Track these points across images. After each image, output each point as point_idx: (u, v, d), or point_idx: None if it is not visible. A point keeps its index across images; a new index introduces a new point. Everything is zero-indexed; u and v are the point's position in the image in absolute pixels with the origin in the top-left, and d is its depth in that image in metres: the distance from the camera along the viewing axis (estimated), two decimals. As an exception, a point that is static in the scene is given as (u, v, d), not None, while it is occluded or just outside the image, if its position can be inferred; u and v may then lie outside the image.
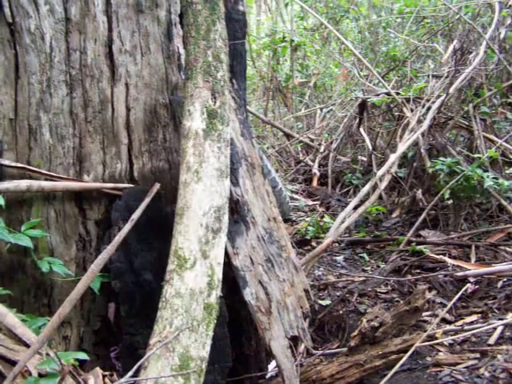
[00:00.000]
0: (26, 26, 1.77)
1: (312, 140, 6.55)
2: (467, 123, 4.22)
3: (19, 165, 1.76)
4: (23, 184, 1.74)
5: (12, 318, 1.48)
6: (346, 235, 3.92)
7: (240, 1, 2.54)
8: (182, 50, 2.12)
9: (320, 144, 6.26)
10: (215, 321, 1.52)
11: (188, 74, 1.80)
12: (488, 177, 3.36)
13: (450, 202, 3.65)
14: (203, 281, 1.54)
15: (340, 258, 3.52)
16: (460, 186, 3.47)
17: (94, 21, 1.88)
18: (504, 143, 3.98)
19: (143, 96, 1.99)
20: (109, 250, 1.63)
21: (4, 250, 1.76)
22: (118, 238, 1.65)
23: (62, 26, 1.83)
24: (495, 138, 4.09)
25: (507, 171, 4.19)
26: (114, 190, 1.89)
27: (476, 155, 3.78)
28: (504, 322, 2.22)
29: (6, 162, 1.75)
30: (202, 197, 1.63)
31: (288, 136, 6.76)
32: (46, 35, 1.80)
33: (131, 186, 1.92)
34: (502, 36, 4.36)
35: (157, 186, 1.87)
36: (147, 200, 1.79)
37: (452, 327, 2.29)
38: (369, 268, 3.33)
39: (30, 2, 1.77)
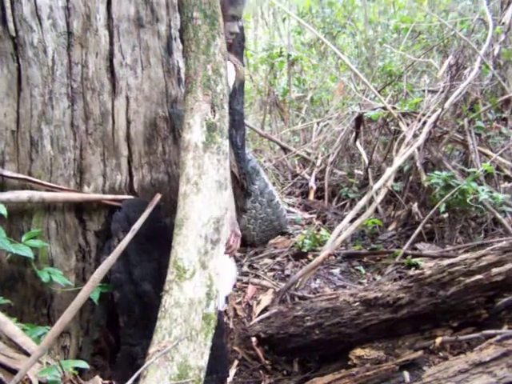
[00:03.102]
0: (29, 39, 1.80)
1: (309, 154, 6.58)
2: (462, 138, 4.25)
3: (21, 176, 1.79)
4: (24, 195, 1.77)
5: (12, 327, 1.50)
6: (343, 248, 3.94)
7: (238, 17, 2.59)
8: (181, 64, 2.16)
9: (317, 158, 6.28)
10: (213, 331, 1.54)
11: (188, 88, 1.83)
12: (483, 190, 3.40)
13: (446, 215, 3.68)
14: (202, 291, 1.56)
15: (336, 271, 3.53)
16: (455, 199, 3.50)
17: (95, 35, 1.91)
18: (499, 157, 4.02)
19: (143, 109, 2.02)
20: (109, 260, 1.65)
21: (4, 260, 1.78)
22: (120, 247, 1.67)
23: (64, 39, 1.86)
24: (490, 153, 4.13)
25: (502, 185, 4.22)
26: (114, 202, 1.91)
27: (471, 169, 3.82)
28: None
29: (8, 173, 1.78)
30: (201, 208, 1.65)
31: (285, 150, 6.79)
32: (49, 49, 1.83)
33: (131, 197, 1.94)
34: (496, 52, 4.42)
35: (158, 196, 1.89)
36: (148, 210, 1.81)
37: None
38: (365, 281, 3.35)
39: (33, 17, 1.80)
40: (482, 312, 2.31)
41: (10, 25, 1.77)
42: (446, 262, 2.38)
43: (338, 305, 2.56)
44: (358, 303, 2.52)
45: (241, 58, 2.53)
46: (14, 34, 1.78)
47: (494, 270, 2.22)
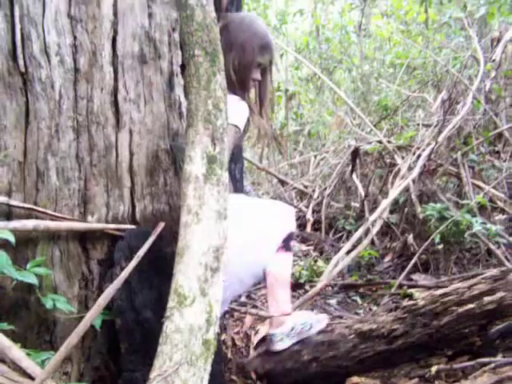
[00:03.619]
0: (37, 75, 1.88)
1: (306, 186, 6.66)
2: (456, 170, 4.35)
3: (27, 205, 1.85)
4: (30, 224, 1.82)
5: (17, 351, 1.55)
6: (339, 279, 3.98)
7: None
8: (182, 99, 2.23)
9: (314, 190, 6.36)
10: (213, 356, 1.58)
11: (189, 122, 1.90)
12: (477, 222, 3.47)
13: (441, 246, 3.74)
14: (202, 317, 1.61)
15: (333, 301, 3.58)
16: (450, 230, 3.57)
17: (101, 71, 1.99)
18: (492, 190, 4.10)
19: (146, 142, 2.09)
20: (113, 288, 1.70)
21: (9, 287, 1.83)
22: (123, 275, 1.72)
23: (71, 75, 1.94)
24: (483, 185, 4.22)
25: (496, 217, 4.30)
26: (117, 231, 1.97)
27: (465, 201, 3.90)
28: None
29: (15, 203, 1.84)
30: (201, 237, 1.71)
31: (282, 182, 6.87)
32: (56, 84, 1.91)
33: (133, 227, 2.00)
34: (487, 88, 4.55)
35: (161, 225, 1.95)
36: (152, 238, 1.87)
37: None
38: (361, 311, 3.40)
39: (42, 54, 1.89)
40: (476, 340, 2.35)
41: (20, 61, 1.86)
42: (439, 292, 2.44)
43: (334, 338, 2.59)
44: (353, 335, 2.56)
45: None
46: (23, 70, 1.86)
47: (486, 299, 2.27)
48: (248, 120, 2.46)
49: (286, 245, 2.55)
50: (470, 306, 2.29)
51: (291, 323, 2.55)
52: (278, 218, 2.54)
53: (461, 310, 2.31)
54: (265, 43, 2.51)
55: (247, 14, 2.68)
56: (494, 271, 2.45)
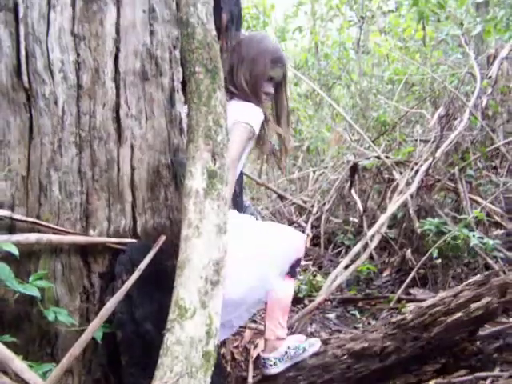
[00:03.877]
0: (41, 91, 1.92)
1: (305, 202, 6.69)
2: (454, 185, 4.39)
3: (29, 219, 1.88)
4: (33, 237, 1.85)
5: (19, 363, 1.56)
6: (338, 293, 4.00)
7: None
8: (183, 115, 2.27)
9: (313, 206, 6.39)
10: (213, 368, 1.60)
11: (190, 137, 1.94)
12: (474, 236, 3.50)
13: (439, 261, 3.77)
14: (202, 330, 1.63)
15: (332, 316, 3.60)
16: (448, 245, 3.60)
17: (103, 87, 2.03)
18: (489, 204, 4.14)
19: (147, 157, 2.12)
20: (114, 301, 1.72)
21: (11, 300, 1.85)
22: (125, 287, 1.75)
23: (73, 91, 1.98)
24: (480, 200, 4.25)
25: (494, 232, 4.33)
26: (118, 245, 2.00)
27: (462, 216, 3.93)
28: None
29: (18, 217, 1.87)
30: (201, 251, 1.74)
31: (282, 198, 6.90)
32: (59, 100, 1.95)
33: (134, 241, 2.03)
34: (484, 104, 4.60)
35: (162, 238, 1.98)
36: (154, 251, 1.90)
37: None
38: (360, 325, 3.41)
39: (46, 71, 1.93)
40: (467, 345, 2.37)
41: (25, 77, 1.89)
42: (426, 303, 2.46)
43: (328, 360, 2.58)
44: (346, 356, 2.55)
45: None
46: (27, 86, 1.90)
47: (473, 306, 2.30)
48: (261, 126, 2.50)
49: (291, 271, 2.58)
50: (458, 314, 2.32)
51: (284, 348, 2.57)
52: (288, 245, 2.56)
53: (449, 319, 2.33)
54: (276, 57, 2.58)
55: (258, 32, 2.77)
56: (477, 277, 2.48)
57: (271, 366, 2.57)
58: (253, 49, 2.57)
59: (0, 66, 1.88)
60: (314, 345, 2.64)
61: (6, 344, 1.68)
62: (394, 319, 2.61)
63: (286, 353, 2.57)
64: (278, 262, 2.52)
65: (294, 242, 2.59)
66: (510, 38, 5.31)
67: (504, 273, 3.61)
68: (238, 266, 2.35)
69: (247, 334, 3.25)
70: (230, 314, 2.43)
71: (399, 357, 2.43)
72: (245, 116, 2.40)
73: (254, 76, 2.52)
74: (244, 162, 2.62)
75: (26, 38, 1.90)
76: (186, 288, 1.67)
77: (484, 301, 2.33)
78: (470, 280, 2.54)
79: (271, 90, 2.59)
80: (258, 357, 2.92)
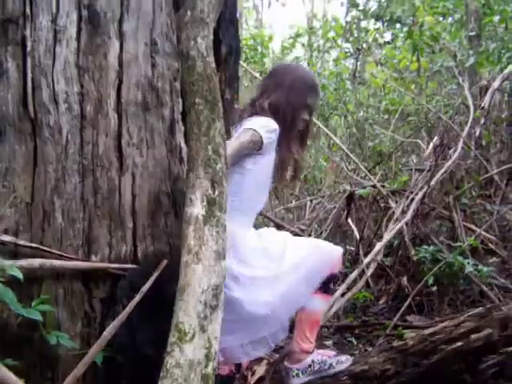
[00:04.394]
0: (46, 121, 1.99)
1: (302, 230, 6.71)
2: (448, 214, 4.45)
3: (33, 245, 1.93)
4: (36, 262, 1.90)
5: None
6: (335, 320, 4.02)
7: (235, 101, 2.81)
8: (183, 145, 2.34)
9: (310, 234, 6.41)
10: (211, 390, 1.64)
11: (190, 166, 2.01)
12: (469, 263, 3.54)
13: (434, 288, 3.81)
14: (201, 353, 1.67)
15: (329, 343, 3.62)
16: (443, 272, 3.64)
17: (106, 117, 2.10)
18: (483, 232, 4.19)
19: (148, 185, 2.18)
20: (115, 324, 1.76)
21: (14, 324, 1.89)
22: (126, 311, 1.79)
23: (77, 121, 2.05)
24: (475, 228, 4.31)
25: (490, 260, 4.38)
26: (119, 270, 2.05)
27: (457, 244, 3.98)
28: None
29: (22, 242, 1.92)
30: (201, 276, 1.79)
31: (279, 226, 6.91)
32: (63, 129, 2.02)
33: (135, 266, 2.08)
34: (477, 134, 4.70)
35: (164, 263, 2.03)
36: (156, 274, 1.95)
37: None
38: (357, 352, 3.43)
39: (51, 101, 2.00)
40: (466, 376, 2.40)
41: (30, 108, 1.97)
42: (428, 331, 2.49)
43: (327, 380, 2.61)
44: (345, 377, 2.58)
45: None
46: (33, 116, 1.97)
47: (473, 336, 2.33)
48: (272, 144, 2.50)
49: (325, 287, 2.58)
50: (459, 343, 2.35)
51: (309, 361, 2.57)
52: (322, 260, 2.55)
53: (449, 348, 2.36)
54: (312, 85, 2.65)
55: (292, 62, 2.87)
56: (479, 309, 2.51)
57: (293, 376, 2.58)
58: (289, 76, 2.62)
59: (7, 97, 1.96)
60: (343, 362, 2.63)
61: (8, 367, 1.71)
62: (395, 344, 2.64)
63: (310, 366, 2.57)
64: (312, 277, 2.52)
65: (329, 258, 2.57)
66: (501, 70, 5.43)
67: (500, 300, 3.65)
68: (275, 281, 2.40)
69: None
70: (264, 331, 2.47)
71: (399, 381, 2.46)
72: (253, 124, 2.44)
73: (292, 103, 2.55)
74: (269, 185, 2.66)
75: (33, 70, 1.98)
76: (186, 312, 1.71)
77: (485, 332, 2.36)
78: (470, 310, 2.57)
79: (306, 116, 2.63)
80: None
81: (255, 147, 2.43)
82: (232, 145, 2.28)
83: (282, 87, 2.57)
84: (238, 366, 2.72)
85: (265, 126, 2.45)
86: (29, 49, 1.96)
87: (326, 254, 2.58)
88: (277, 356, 3.23)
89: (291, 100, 2.55)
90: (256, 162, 2.48)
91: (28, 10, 1.97)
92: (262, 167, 2.52)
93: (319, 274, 2.54)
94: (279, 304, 2.44)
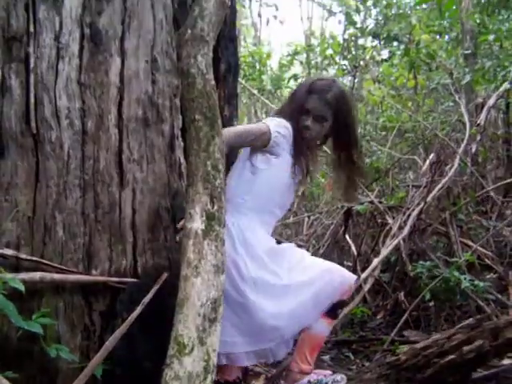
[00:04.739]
0: (47, 136, 2.03)
1: (300, 246, 6.71)
2: (445, 229, 4.47)
3: (34, 258, 1.96)
4: (37, 276, 1.93)
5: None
6: (333, 335, 4.03)
7: (234, 117, 2.85)
8: (182, 160, 2.38)
9: (308, 250, 6.42)
10: (210, 403, 1.66)
11: (189, 181, 2.04)
12: (465, 279, 3.56)
13: (431, 303, 3.82)
14: (200, 365, 1.69)
15: (327, 358, 3.62)
16: (440, 288, 3.66)
17: (107, 133, 2.14)
18: (479, 248, 4.22)
19: (147, 200, 2.21)
20: (116, 336, 1.78)
21: (14, 337, 1.90)
22: (125, 325, 1.81)
23: (79, 137, 2.08)
24: (471, 243, 4.33)
25: (487, 276, 4.40)
26: (119, 284, 2.07)
27: (454, 259, 4.00)
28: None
29: (23, 256, 1.95)
30: (200, 289, 1.82)
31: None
32: (65, 145, 2.05)
33: (135, 280, 2.10)
34: (473, 150, 4.75)
35: (164, 276, 2.05)
36: (156, 287, 1.97)
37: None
38: (354, 367, 3.44)
39: (53, 117, 2.03)
40: (460, 388, 2.41)
41: (33, 124, 2.00)
42: (420, 345, 2.50)
43: (322, 399, 2.62)
44: None
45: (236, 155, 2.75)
46: (35, 132, 2.01)
47: (466, 348, 2.34)
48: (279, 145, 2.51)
49: (332, 312, 2.59)
50: (451, 356, 2.36)
51: (305, 381, 2.56)
52: (334, 285, 2.54)
53: (442, 361, 2.37)
54: (312, 89, 2.56)
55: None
56: (469, 320, 2.52)
57: None
58: (298, 87, 2.77)
59: (10, 113, 1.99)
60: (339, 382, 2.61)
61: (8, 380, 1.73)
62: (388, 360, 2.64)
63: None
64: (321, 300, 2.52)
65: (341, 283, 2.56)
66: (496, 88, 5.49)
67: (496, 316, 3.67)
68: (284, 293, 2.43)
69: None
70: (269, 343, 2.47)
71: (393, 397, 2.47)
72: (266, 120, 2.54)
73: (291, 109, 2.61)
74: (285, 191, 2.65)
75: (36, 86, 2.02)
76: (185, 325, 1.74)
77: (477, 343, 2.37)
78: (462, 323, 2.59)
79: (308, 122, 2.54)
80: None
81: (263, 138, 2.46)
82: (237, 127, 2.33)
83: (289, 97, 2.75)
84: (244, 373, 2.74)
85: (274, 120, 2.53)
86: (32, 65, 2.00)
87: (339, 278, 2.57)
88: (274, 371, 3.24)
89: (291, 107, 2.62)
90: (268, 162, 2.51)
91: (32, 28, 2.01)
92: (276, 171, 2.53)
93: (329, 297, 2.54)
94: (286, 318, 2.45)
